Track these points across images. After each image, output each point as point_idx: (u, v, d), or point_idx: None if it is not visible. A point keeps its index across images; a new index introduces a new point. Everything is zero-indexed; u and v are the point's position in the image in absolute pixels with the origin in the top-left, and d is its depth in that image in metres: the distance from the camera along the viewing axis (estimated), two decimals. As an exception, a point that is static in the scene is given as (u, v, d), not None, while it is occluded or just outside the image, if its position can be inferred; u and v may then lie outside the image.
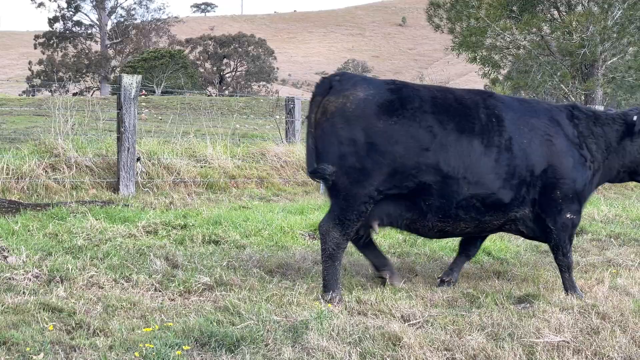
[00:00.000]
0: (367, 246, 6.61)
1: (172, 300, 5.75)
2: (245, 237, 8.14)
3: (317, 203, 10.79)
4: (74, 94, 60.72)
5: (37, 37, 77.89)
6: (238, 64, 78.93)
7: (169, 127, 14.50)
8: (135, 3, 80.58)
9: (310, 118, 6.08)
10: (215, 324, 5.04)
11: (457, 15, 23.57)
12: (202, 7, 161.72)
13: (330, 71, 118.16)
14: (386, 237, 8.56)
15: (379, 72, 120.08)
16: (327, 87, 6.08)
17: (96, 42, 78.12)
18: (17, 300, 5.31)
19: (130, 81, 10.73)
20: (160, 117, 26.18)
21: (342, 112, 5.89)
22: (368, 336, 4.93)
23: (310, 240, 8.41)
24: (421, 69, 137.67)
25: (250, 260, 7.05)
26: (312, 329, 4.96)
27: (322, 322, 5.07)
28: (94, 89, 73.74)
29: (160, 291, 5.93)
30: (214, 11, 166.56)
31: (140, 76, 11.02)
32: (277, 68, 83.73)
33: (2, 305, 5.13)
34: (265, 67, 78.94)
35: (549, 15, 24.62)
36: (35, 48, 76.96)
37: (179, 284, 6.03)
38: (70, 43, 76.10)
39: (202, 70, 76.25)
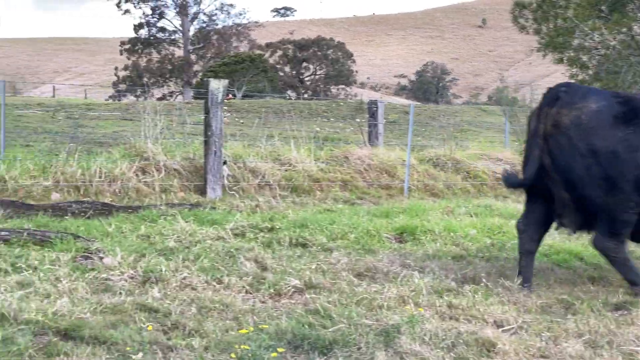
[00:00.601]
0: (530, 256, 6.61)
1: (263, 302, 5.79)
2: (332, 240, 8.15)
3: (401, 206, 10.74)
4: (158, 99, 62.03)
5: (122, 43, 79.82)
6: (317, 68, 79.33)
7: (253, 131, 14.65)
8: (216, 9, 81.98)
9: (539, 129, 6.21)
10: (307, 326, 5.05)
11: (544, 16, 23.11)
12: (282, 11, 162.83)
13: (409, 74, 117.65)
14: (474, 241, 8.46)
15: (458, 74, 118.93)
16: (554, 98, 6.21)
17: (179, 47, 79.60)
18: (114, 300, 5.43)
19: (217, 86, 10.89)
20: (241, 121, 26.48)
21: (578, 124, 6.01)
22: (461, 341, 4.86)
23: (397, 243, 8.37)
24: (501, 71, 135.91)
25: (338, 263, 7.05)
26: (404, 333, 4.93)
27: (413, 327, 5.03)
28: (177, 93, 75.13)
29: (251, 293, 5.98)
30: (293, 15, 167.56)
31: (226, 81, 11.19)
32: (356, 71, 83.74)
33: (101, 305, 5.25)
34: (344, 70, 79.16)
35: (639, 14, 23.92)
36: (121, 54, 78.89)
37: (269, 287, 6.07)
38: (154, 49, 77.76)
39: (281, 74, 76.89)
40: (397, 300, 5.83)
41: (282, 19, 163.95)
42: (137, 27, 78.76)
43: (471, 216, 10.22)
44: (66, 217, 8.66)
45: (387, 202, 11.59)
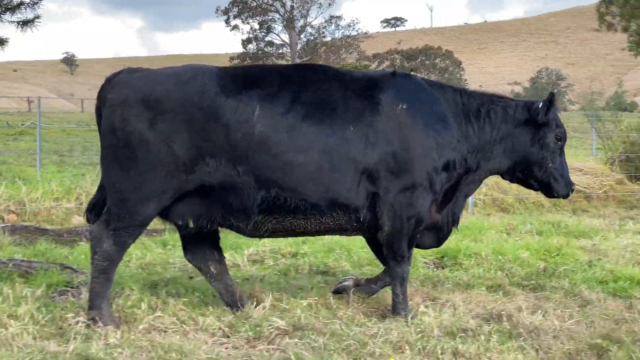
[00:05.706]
0: None
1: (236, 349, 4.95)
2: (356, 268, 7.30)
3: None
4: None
5: (232, 58, 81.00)
6: (425, 77, 78.18)
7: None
8: (325, 21, 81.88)
9: None
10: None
11: (632, 12, 21.24)
12: (392, 22, 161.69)
13: (522, 81, 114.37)
14: (524, 266, 7.42)
15: (574, 79, 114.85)
16: None
17: (287, 60, 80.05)
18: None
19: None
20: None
21: None
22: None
23: (434, 269, 7.41)
24: (620, 75, 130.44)
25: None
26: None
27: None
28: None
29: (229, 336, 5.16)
30: (404, 25, 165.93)
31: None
32: (466, 79, 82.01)
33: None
34: (453, 78, 77.67)
35: None
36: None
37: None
38: (262, 63, 78.52)
39: (388, 84, 76.16)
40: (393, 346, 4.90)
41: (393, 29, 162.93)
42: (245, 42, 79.77)
43: (535, 235, 9.11)
44: (81, 242, 8.09)
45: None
